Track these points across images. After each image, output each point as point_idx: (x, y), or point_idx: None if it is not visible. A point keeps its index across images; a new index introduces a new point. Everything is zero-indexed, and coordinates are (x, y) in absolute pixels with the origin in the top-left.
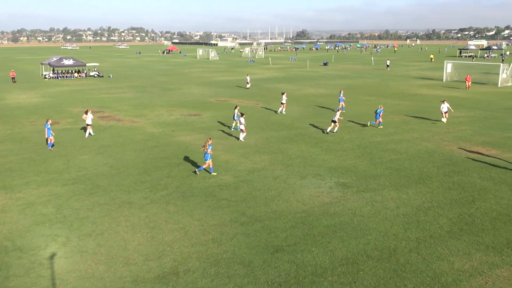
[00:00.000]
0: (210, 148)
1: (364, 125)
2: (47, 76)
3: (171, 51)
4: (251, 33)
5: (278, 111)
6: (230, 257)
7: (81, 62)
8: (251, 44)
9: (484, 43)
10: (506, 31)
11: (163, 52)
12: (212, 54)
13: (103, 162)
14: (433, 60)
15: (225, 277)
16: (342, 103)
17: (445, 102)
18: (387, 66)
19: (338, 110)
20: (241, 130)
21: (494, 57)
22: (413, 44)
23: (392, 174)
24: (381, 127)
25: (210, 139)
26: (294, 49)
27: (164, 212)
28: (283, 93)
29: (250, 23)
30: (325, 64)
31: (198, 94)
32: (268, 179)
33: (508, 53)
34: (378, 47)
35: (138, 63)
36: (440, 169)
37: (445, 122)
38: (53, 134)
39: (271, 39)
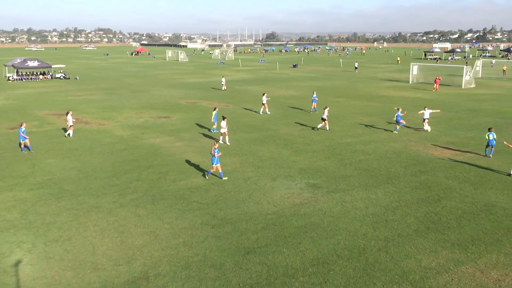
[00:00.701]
0: (216, 151)
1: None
2: (10, 78)
3: (140, 52)
4: (221, 35)
5: (260, 112)
6: (201, 260)
7: (47, 63)
8: (221, 46)
9: (448, 46)
10: (469, 34)
11: (132, 54)
12: (182, 56)
13: (70, 166)
14: (399, 62)
15: (196, 280)
16: (315, 103)
17: (426, 108)
18: (355, 68)
19: (326, 108)
20: (221, 133)
21: (458, 59)
22: (380, 47)
23: (361, 175)
24: (396, 132)
25: (216, 142)
26: (263, 51)
27: (133, 216)
28: (263, 94)
29: (220, 25)
30: (294, 66)
31: (168, 96)
32: (239, 181)
33: (471, 56)
34: (347, 50)
35: (106, 65)
36: (407, 169)
37: (429, 130)
38: (27, 137)
39: (240, 41)
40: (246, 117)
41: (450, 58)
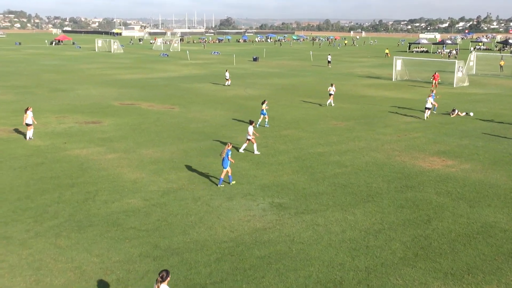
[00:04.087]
0: (229, 154)
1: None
2: None
3: (62, 41)
4: (164, 21)
5: (327, 104)
6: None
7: None
8: (165, 34)
9: (437, 36)
10: (461, 23)
11: (51, 43)
12: (115, 46)
13: None
14: (388, 55)
15: None
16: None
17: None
18: (328, 62)
19: (431, 93)
20: (249, 140)
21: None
22: (358, 37)
23: (336, 192)
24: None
25: (230, 143)
26: (217, 41)
27: (53, 247)
28: (332, 84)
29: (163, 8)
30: (255, 59)
31: (98, 96)
32: (187, 202)
33: (458, 49)
34: (337, 40)
35: (18, 57)
36: (391, 184)
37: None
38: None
39: (189, 28)
40: (196, 123)
41: (450, 51)
